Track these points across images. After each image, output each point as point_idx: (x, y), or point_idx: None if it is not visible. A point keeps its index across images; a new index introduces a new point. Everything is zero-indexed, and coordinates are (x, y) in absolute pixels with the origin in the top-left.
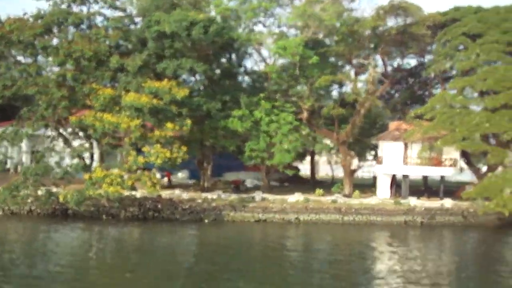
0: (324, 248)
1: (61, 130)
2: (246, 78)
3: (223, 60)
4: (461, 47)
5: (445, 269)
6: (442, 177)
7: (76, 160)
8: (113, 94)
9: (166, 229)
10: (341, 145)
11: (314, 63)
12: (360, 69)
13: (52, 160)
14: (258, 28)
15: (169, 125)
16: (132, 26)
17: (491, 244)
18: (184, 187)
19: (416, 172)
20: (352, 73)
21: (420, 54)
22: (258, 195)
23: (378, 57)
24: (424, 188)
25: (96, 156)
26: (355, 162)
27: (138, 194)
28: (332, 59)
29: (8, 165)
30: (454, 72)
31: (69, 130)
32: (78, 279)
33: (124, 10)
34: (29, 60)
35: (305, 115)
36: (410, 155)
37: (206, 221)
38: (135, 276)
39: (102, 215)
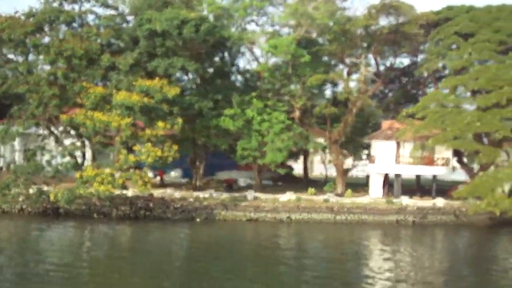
0: (316, 247)
1: (52, 129)
2: (239, 77)
3: (216, 59)
4: (453, 46)
5: (436, 268)
6: (435, 176)
7: (67, 159)
8: (104, 93)
9: (157, 228)
10: (333, 144)
11: (307, 62)
12: (353, 68)
13: (43, 158)
14: (251, 27)
15: (160, 124)
16: (124, 25)
17: (482, 243)
18: (176, 186)
19: (409, 171)
20: (345, 72)
21: (413, 53)
22: (250, 194)
23: (370, 56)
24: (417, 187)
25: (88, 155)
26: (349, 161)
27: (130, 193)
28: (325, 58)
29: (1, 164)
30: (446, 71)
31: (60, 128)
32: (69, 278)
33: (116, 8)
34: (20, 59)
35: (297, 114)
36: (403, 154)
37: (197, 220)
38: (126, 274)
39: (94, 214)
